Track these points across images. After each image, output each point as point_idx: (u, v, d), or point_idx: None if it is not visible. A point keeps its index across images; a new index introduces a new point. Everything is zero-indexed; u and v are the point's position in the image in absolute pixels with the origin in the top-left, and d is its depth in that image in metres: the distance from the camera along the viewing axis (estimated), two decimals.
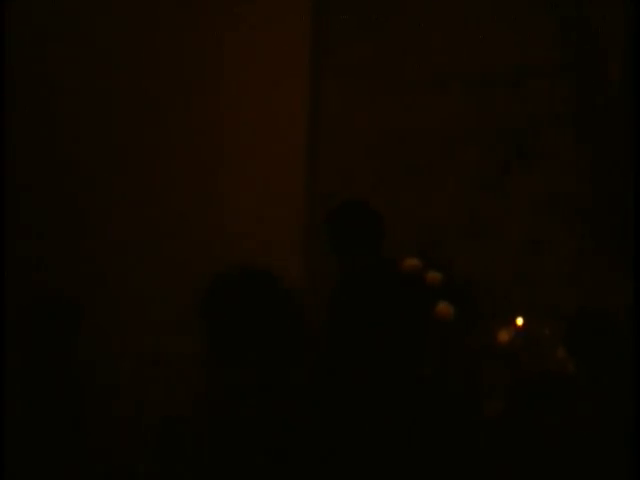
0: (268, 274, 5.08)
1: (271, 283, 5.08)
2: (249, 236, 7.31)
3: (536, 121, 7.52)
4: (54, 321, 5.51)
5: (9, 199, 6.54)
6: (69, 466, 5.56)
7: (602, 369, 4.89)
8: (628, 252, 6.88)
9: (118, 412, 6.91)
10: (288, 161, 7.57)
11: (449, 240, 7.33)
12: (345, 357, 4.44)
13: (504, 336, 6.19)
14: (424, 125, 7.59)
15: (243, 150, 7.55)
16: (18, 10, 7.19)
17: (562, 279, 7.23)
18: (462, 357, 5.03)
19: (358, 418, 4.38)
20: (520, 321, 6.39)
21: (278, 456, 4.46)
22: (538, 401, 5.28)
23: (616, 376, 4.85)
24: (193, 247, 7.38)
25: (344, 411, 4.37)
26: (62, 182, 7.44)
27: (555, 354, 6.15)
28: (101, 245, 7.38)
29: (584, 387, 4.97)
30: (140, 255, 7.37)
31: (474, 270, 6.98)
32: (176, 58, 7.56)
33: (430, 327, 4.70)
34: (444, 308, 4.95)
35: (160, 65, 7.55)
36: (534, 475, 5.00)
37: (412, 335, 4.53)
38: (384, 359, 4.42)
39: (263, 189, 7.49)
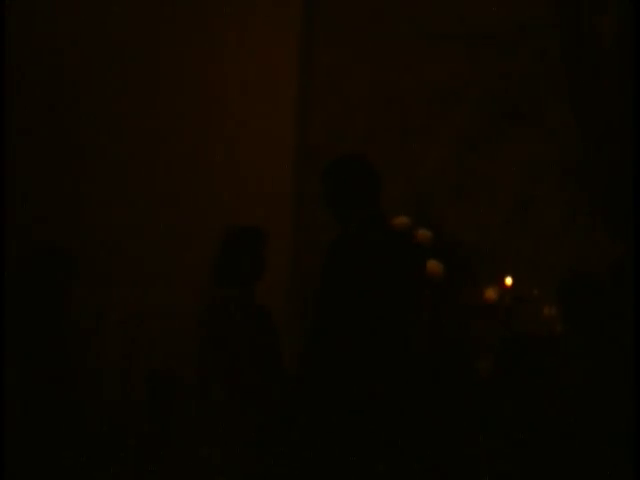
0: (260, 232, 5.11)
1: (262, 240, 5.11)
2: (240, 193, 7.32)
3: (529, 82, 7.52)
4: (50, 271, 5.52)
5: (6, 155, 6.54)
6: (59, 418, 5.58)
7: (595, 329, 4.92)
8: (615, 213, 6.93)
9: (106, 365, 6.94)
10: (279, 119, 7.56)
11: (439, 199, 7.35)
12: (339, 315, 4.44)
13: (492, 295, 6.23)
14: (416, 84, 7.58)
15: (234, 108, 7.54)
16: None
17: (550, 240, 7.25)
18: (452, 315, 5.07)
19: (352, 376, 4.39)
20: (509, 280, 6.42)
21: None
22: (526, 360, 5.31)
23: (608, 336, 4.88)
24: (185, 204, 7.39)
25: (339, 368, 4.38)
26: (59, 144, 7.46)
27: (543, 313, 6.20)
28: (96, 202, 7.39)
29: (577, 347, 4.99)
30: (133, 212, 7.38)
31: (464, 229, 7.01)
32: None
33: (421, 284, 4.71)
34: (434, 266, 4.98)
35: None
36: (524, 435, 5.04)
37: (403, 292, 4.53)
38: (377, 316, 4.43)
39: (254, 145, 7.48)
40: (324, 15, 7.76)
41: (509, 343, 5.37)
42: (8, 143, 6.42)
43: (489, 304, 6.15)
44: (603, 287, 5.03)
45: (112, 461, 5.95)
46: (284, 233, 7.28)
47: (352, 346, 4.39)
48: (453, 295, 5.61)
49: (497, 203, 7.39)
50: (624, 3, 6.94)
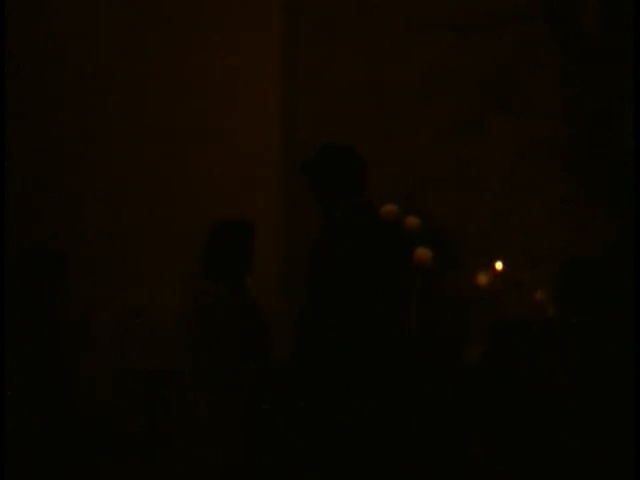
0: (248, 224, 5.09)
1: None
2: (228, 187, 7.32)
3: (516, 68, 7.51)
4: (39, 271, 5.53)
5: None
6: (53, 417, 5.59)
7: (592, 314, 4.90)
8: (609, 198, 6.93)
9: (101, 363, 6.93)
10: (265, 111, 7.56)
11: (428, 186, 7.33)
12: (327, 303, 4.43)
13: (483, 280, 6.22)
14: (402, 72, 7.57)
15: (221, 101, 7.54)
16: None
17: (539, 224, 7.25)
18: (442, 301, 5.06)
19: (342, 362, 4.39)
20: (499, 265, 6.41)
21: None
22: (518, 345, 5.30)
23: (606, 320, 4.86)
24: (174, 199, 7.40)
25: (328, 355, 4.39)
26: (50, 139, 7.47)
27: (534, 298, 6.19)
28: (87, 198, 7.40)
29: (571, 330, 4.98)
30: (122, 208, 7.39)
31: (454, 216, 7.00)
32: None
33: (409, 271, 4.71)
34: (423, 253, 4.96)
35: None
36: (517, 418, 5.03)
37: (391, 279, 4.53)
38: (365, 302, 4.42)
39: (240, 139, 7.48)
40: (308, 6, 7.74)
41: (500, 328, 5.35)
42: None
43: (480, 289, 6.14)
44: (602, 270, 5.01)
45: (106, 460, 5.95)
46: (273, 226, 7.28)
47: (341, 334, 4.39)
48: (443, 281, 5.59)
49: (485, 189, 7.39)
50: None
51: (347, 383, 4.35)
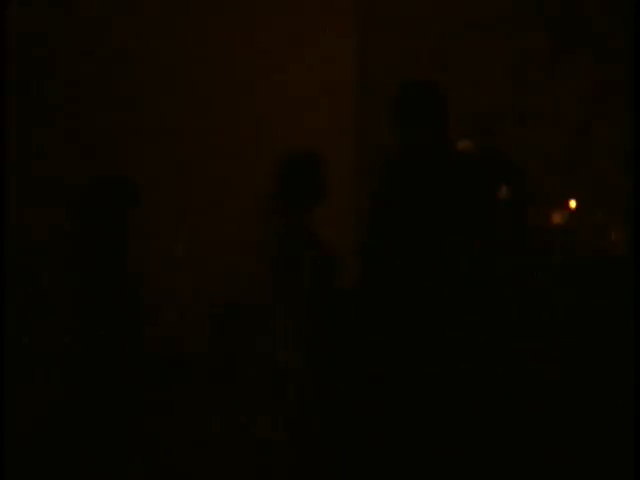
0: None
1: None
2: (300, 121, 7.34)
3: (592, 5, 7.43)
4: (113, 200, 5.59)
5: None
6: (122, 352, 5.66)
7: None
8: None
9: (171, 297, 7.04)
10: (340, 46, 7.55)
11: (504, 122, 7.29)
12: (397, 236, 4.46)
13: (558, 218, 6.19)
14: (474, 7, 7.52)
15: (296, 43, 7.58)
16: None
17: (614, 162, 7.19)
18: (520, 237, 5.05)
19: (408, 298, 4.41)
20: (573, 204, 6.37)
21: None
22: (589, 282, 5.28)
23: None
24: (249, 135, 7.44)
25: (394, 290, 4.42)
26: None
27: (608, 236, 6.16)
28: (164, 131, 7.49)
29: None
30: (200, 143, 7.46)
31: (527, 153, 6.95)
32: None
33: (486, 205, 4.70)
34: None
35: None
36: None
37: (470, 212, 4.53)
38: (439, 240, 4.43)
39: (313, 74, 7.49)
40: None
41: (572, 264, 5.33)
42: None
43: (554, 227, 6.11)
44: None
45: (175, 394, 6.04)
46: (347, 160, 7.31)
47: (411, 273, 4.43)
48: (520, 218, 5.58)
49: (560, 125, 7.33)
50: None
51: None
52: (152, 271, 6.40)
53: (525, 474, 4.67)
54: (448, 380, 4.40)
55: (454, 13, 7.55)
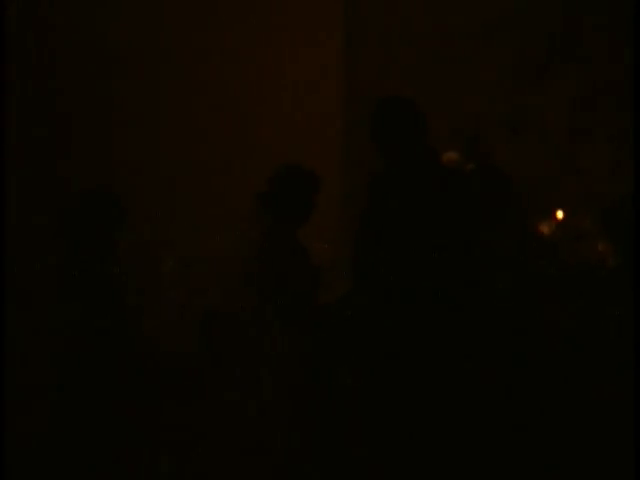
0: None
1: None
2: (287, 135, 7.35)
3: (578, 17, 7.45)
4: (97, 215, 5.57)
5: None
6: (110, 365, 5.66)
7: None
8: None
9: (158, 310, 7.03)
10: (326, 57, 7.57)
11: (488, 134, 7.30)
12: (385, 247, 4.47)
13: (545, 229, 6.19)
14: (463, 18, 7.53)
15: (282, 52, 7.59)
16: None
17: (602, 172, 7.20)
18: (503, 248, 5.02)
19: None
20: (560, 214, 6.38)
21: None
22: (577, 293, 5.26)
23: None
24: (236, 148, 7.45)
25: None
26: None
27: (596, 247, 6.15)
28: (147, 143, 7.50)
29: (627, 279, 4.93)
30: (184, 151, 7.47)
31: (514, 164, 6.95)
32: None
33: (472, 217, 4.70)
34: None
35: None
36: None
37: (454, 224, 4.54)
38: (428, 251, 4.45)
39: (301, 89, 7.51)
40: None
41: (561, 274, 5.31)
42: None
43: (541, 238, 6.10)
44: None
45: (166, 402, 6.02)
46: (333, 174, 7.30)
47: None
48: (507, 227, 5.56)
49: (547, 136, 7.34)
50: None
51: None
52: (139, 284, 6.39)
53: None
54: (436, 390, 4.42)
55: (443, 23, 7.56)
